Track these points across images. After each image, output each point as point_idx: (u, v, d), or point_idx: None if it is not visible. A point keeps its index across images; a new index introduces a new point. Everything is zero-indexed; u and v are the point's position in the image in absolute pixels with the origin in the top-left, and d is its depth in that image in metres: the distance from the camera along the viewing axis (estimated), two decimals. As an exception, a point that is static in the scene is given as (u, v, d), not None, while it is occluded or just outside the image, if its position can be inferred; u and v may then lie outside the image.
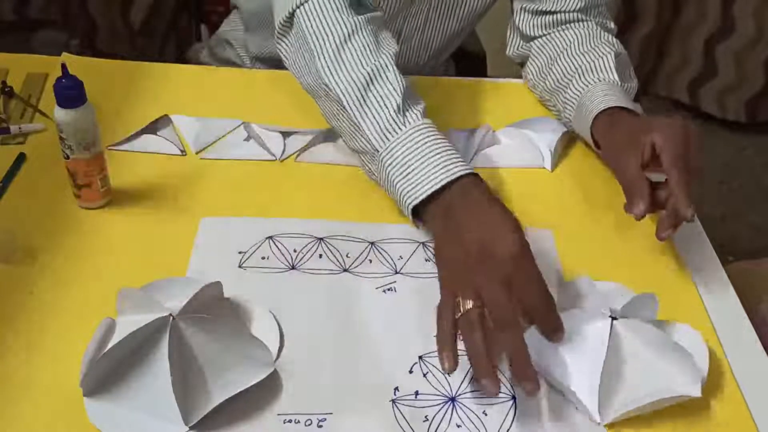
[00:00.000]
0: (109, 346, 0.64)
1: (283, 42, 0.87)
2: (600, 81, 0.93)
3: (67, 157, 0.79)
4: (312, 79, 0.83)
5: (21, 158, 0.89)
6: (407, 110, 0.79)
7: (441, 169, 0.74)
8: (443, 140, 0.77)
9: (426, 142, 0.76)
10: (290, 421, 0.64)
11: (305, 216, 0.84)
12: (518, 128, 0.98)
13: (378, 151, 0.79)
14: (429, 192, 0.74)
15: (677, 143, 0.78)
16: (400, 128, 0.78)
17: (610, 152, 0.86)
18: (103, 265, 0.77)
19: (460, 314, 0.65)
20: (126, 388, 0.64)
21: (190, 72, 1.09)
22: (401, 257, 0.80)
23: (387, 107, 0.78)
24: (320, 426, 0.64)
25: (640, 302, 0.71)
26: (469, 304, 0.65)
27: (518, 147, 0.96)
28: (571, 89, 0.95)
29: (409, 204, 0.76)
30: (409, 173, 0.76)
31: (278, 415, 0.65)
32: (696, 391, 0.66)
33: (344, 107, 0.80)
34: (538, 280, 0.66)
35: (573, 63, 0.98)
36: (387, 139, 0.78)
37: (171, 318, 0.64)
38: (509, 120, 1.01)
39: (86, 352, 0.64)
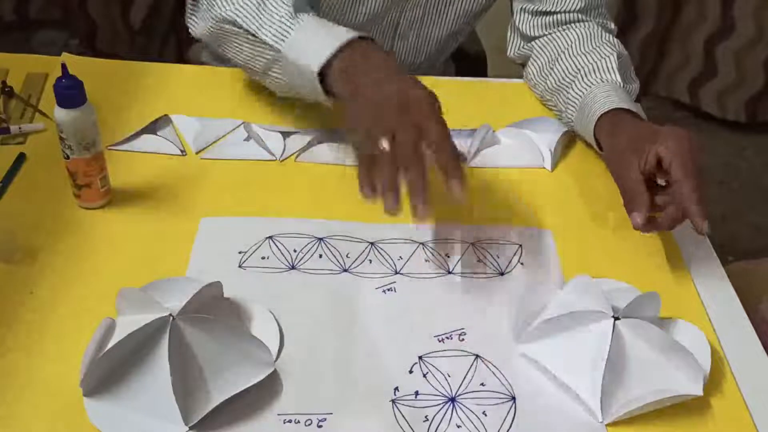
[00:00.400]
0: (109, 346, 0.64)
1: (193, 17, 0.95)
2: (602, 82, 0.93)
3: (67, 157, 0.79)
4: (212, 21, 0.89)
5: (21, 158, 0.89)
6: (299, 12, 0.84)
7: (340, 35, 0.79)
8: (337, 25, 0.81)
9: (323, 25, 0.82)
10: (290, 421, 0.64)
11: (305, 216, 0.84)
12: (518, 128, 0.98)
13: (280, 52, 0.82)
14: (334, 50, 0.78)
15: (684, 154, 0.78)
16: (295, 24, 0.82)
17: (612, 156, 0.86)
18: (103, 265, 0.77)
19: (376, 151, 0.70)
20: (126, 388, 0.64)
21: (190, 72, 1.09)
22: (401, 257, 0.80)
23: (280, 12, 0.83)
24: (320, 426, 0.64)
25: (642, 301, 0.70)
26: (385, 144, 0.70)
27: (518, 147, 0.96)
28: (573, 89, 0.95)
29: (314, 69, 0.78)
30: (308, 50, 0.80)
31: (278, 415, 0.65)
32: (698, 390, 0.66)
33: (241, 26, 0.85)
34: (444, 128, 0.72)
35: (575, 63, 0.98)
36: (285, 37, 0.82)
37: (171, 318, 0.64)
38: (509, 120, 1.01)
39: (86, 352, 0.64)
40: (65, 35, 2.27)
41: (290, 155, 0.93)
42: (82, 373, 0.63)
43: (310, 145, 0.93)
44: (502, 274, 0.80)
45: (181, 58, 1.52)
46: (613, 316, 0.68)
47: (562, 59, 1.00)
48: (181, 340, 0.64)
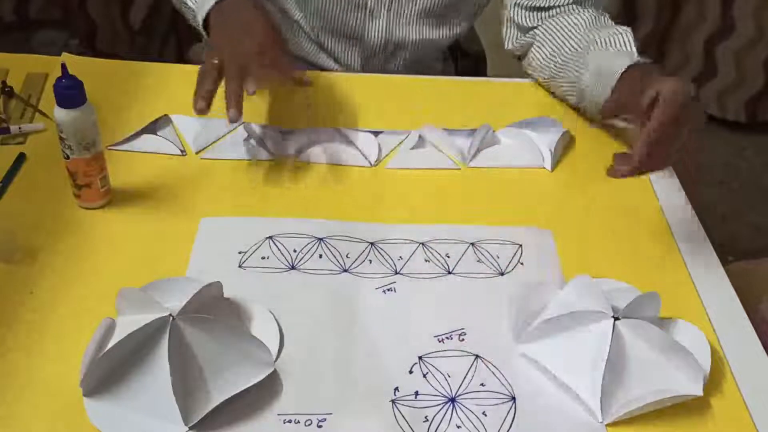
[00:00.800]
0: (109, 346, 0.64)
1: None
2: (620, 52, 0.93)
3: (67, 157, 0.79)
4: None
5: (21, 158, 0.89)
6: None
7: None
8: None
9: None
10: (290, 421, 0.64)
11: (305, 216, 0.84)
12: (518, 128, 0.98)
13: (193, 10, 0.96)
14: (210, 6, 0.93)
15: (674, 104, 0.78)
16: None
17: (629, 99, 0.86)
18: (103, 265, 0.77)
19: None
20: (126, 388, 0.64)
21: (190, 72, 1.08)
22: (401, 257, 0.80)
23: None
24: (320, 426, 0.64)
25: (642, 301, 0.70)
26: (214, 62, 0.86)
27: (518, 147, 0.97)
28: (589, 55, 0.95)
29: (199, 21, 0.95)
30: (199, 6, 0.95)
31: (278, 415, 0.65)
32: (698, 390, 0.66)
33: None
34: (275, 61, 0.88)
35: (588, 36, 0.98)
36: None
37: (171, 318, 0.64)
38: (509, 120, 1.00)
39: (86, 352, 0.64)
40: (65, 35, 2.27)
41: (291, 155, 0.93)
42: (82, 373, 0.63)
43: (310, 145, 0.93)
44: (502, 274, 0.80)
45: (181, 58, 1.52)
46: (613, 316, 0.68)
47: (573, 36, 1.00)
48: (181, 340, 0.64)
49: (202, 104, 0.84)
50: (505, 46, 1.10)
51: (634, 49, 0.93)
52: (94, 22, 2.21)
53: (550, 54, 1.03)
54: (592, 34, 0.98)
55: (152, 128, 0.94)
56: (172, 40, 2.24)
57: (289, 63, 0.91)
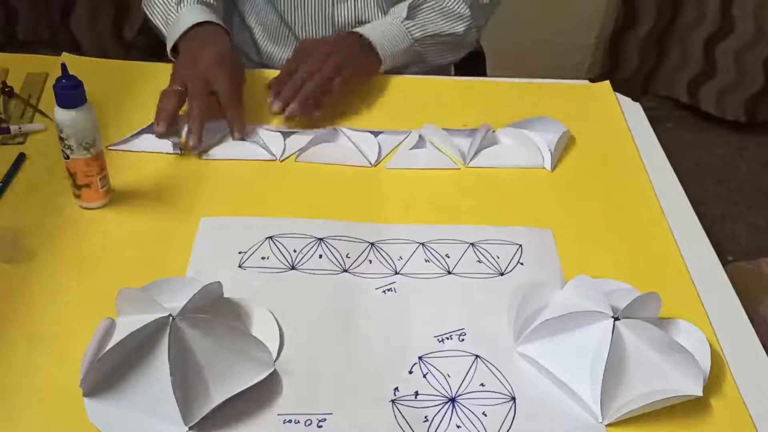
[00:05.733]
0: (109, 346, 0.64)
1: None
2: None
3: (67, 157, 0.79)
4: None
5: (21, 158, 0.89)
6: (181, 4, 1.04)
7: (186, 23, 1.01)
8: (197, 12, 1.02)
9: (186, 13, 1.02)
10: (290, 421, 0.64)
11: (305, 216, 0.84)
12: (518, 128, 0.98)
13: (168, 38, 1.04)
14: (178, 36, 1.01)
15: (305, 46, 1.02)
16: (173, 15, 1.04)
17: None
18: (103, 265, 0.77)
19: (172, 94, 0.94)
20: (126, 388, 0.64)
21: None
22: (401, 258, 0.80)
23: (169, 5, 1.05)
24: (320, 426, 0.64)
25: (642, 301, 0.70)
26: (177, 87, 0.95)
27: (518, 147, 0.97)
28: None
29: (169, 49, 1.03)
30: (170, 35, 1.03)
31: (278, 415, 0.65)
32: (697, 390, 0.66)
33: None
34: (229, 85, 0.95)
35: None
36: (168, 23, 1.05)
37: (171, 318, 0.64)
38: (509, 120, 1.00)
39: (86, 352, 0.64)
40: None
41: (290, 155, 0.93)
42: (82, 373, 0.63)
43: (310, 145, 0.93)
44: (502, 274, 0.80)
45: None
46: (613, 317, 0.68)
47: None
48: (181, 340, 0.64)
49: (162, 127, 0.91)
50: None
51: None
52: (79, 42, 2.23)
53: None
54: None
55: (151, 128, 0.94)
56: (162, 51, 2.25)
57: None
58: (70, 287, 0.74)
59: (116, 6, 2.21)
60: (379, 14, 1.13)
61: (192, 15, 1.02)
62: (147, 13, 1.09)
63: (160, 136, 0.91)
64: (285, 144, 0.94)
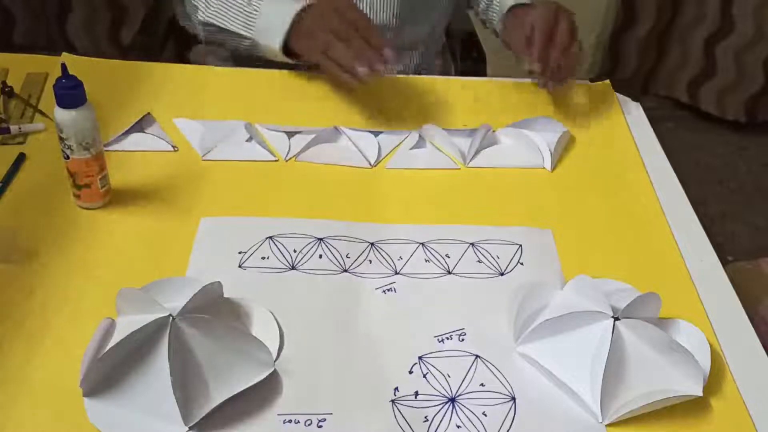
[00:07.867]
0: (109, 346, 0.64)
1: (186, 23, 1.13)
2: None
3: (67, 157, 0.79)
4: (199, 27, 1.08)
5: (21, 158, 0.89)
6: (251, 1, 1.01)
7: (290, 12, 0.97)
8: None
9: (275, 3, 0.99)
10: (290, 421, 0.64)
11: (305, 216, 0.84)
12: (518, 128, 0.98)
13: (252, 39, 1.01)
14: (287, 28, 0.97)
15: (546, 21, 0.98)
16: (253, 11, 1.01)
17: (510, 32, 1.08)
18: (103, 265, 0.77)
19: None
20: (126, 388, 0.64)
21: (190, 72, 1.09)
22: (401, 257, 0.80)
23: (238, 3, 1.02)
24: (320, 426, 0.64)
25: (642, 302, 0.70)
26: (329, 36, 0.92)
27: (518, 147, 0.97)
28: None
29: (277, 48, 0.98)
30: (268, 33, 0.99)
31: (278, 415, 0.65)
32: (697, 390, 0.66)
33: (216, 25, 1.04)
34: (358, 16, 0.93)
35: None
36: (252, 25, 1.01)
37: (171, 318, 0.64)
38: (509, 120, 1.01)
39: (86, 352, 0.64)
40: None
41: (291, 155, 0.93)
42: (82, 373, 0.63)
43: (310, 145, 0.93)
44: (502, 274, 0.80)
45: (182, 59, 1.53)
46: (612, 317, 0.68)
47: None
48: (181, 340, 0.64)
49: (390, 54, 0.90)
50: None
51: None
52: (75, 46, 2.23)
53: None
54: None
55: (138, 127, 0.94)
56: (171, 40, 2.24)
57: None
58: (70, 287, 0.74)
59: (113, 10, 2.21)
60: (412, 17, 1.13)
61: (285, 8, 0.99)
62: (213, 21, 1.04)
63: (365, 77, 0.89)
64: (290, 144, 0.94)
